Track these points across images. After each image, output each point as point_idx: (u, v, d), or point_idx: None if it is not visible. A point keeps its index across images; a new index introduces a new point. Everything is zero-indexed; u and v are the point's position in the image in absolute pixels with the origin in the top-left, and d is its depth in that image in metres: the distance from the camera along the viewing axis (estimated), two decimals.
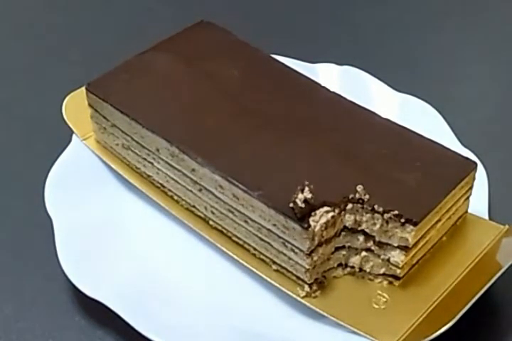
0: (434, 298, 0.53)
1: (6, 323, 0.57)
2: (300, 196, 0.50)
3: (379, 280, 0.55)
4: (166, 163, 0.58)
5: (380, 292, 0.55)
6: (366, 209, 0.52)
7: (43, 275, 0.59)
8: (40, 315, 0.57)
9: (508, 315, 0.57)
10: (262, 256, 0.56)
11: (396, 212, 0.52)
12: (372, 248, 0.54)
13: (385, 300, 0.54)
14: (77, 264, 0.57)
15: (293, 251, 0.53)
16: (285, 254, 0.54)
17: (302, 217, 0.51)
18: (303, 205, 0.50)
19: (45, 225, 0.59)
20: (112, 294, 0.54)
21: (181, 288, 0.56)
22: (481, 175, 0.59)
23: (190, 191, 0.58)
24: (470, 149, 0.63)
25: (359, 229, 0.54)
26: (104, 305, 0.54)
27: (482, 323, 0.55)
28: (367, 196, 0.52)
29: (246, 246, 0.57)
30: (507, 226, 0.57)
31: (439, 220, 0.55)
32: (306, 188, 0.51)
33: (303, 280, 0.54)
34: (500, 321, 0.56)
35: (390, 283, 0.55)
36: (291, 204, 0.51)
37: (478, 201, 0.59)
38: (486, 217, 0.59)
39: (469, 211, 0.59)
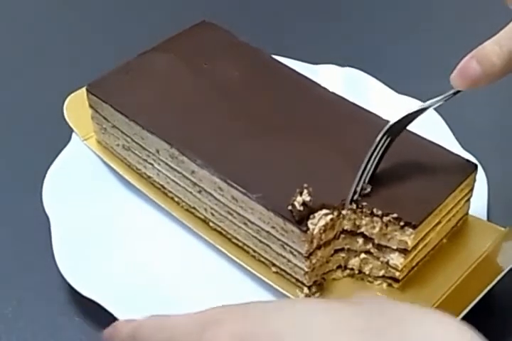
0: (433, 301, 0.53)
1: (6, 323, 0.57)
2: (299, 199, 0.50)
3: (378, 282, 0.55)
4: (166, 164, 0.58)
5: (379, 294, 0.54)
6: (365, 213, 0.52)
7: (42, 275, 0.59)
8: (40, 315, 0.57)
9: (508, 317, 0.57)
10: (261, 258, 0.56)
11: (395, 215, 0.51)
12: (372, 250, 0.54)
13: None
14: (74, 265, 0.57)
15: (292, 253, 0.53)
16: (284, 257, 0.54)
17: (301, 219, 0.51)
18: (301, 208, 0.50)
19: (45, 225, 0.59)
20: (109, 295, 0.55)
21: (181, 289, 0.56)
22: (480, 178, 0.59)
23: (190, 192, 0.58)
24: (470, 152, 0.63)
25: (358, 231, 0.53)
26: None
27: (481, 325, 0.55)
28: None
29: (245, 247, 0.57)
30: (507, 229, 0.57)
31: (439, 222, 0.55)
32: (305, 191, 0.50)
33: (302, 283, 0.54)
34: (500, 323, 0.56)
35: (389, 285, 0.55)
36: (289, 207, 0.51)
37: (478, 204, 0.59)
38: (485, 219, 0.59)
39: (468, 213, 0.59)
